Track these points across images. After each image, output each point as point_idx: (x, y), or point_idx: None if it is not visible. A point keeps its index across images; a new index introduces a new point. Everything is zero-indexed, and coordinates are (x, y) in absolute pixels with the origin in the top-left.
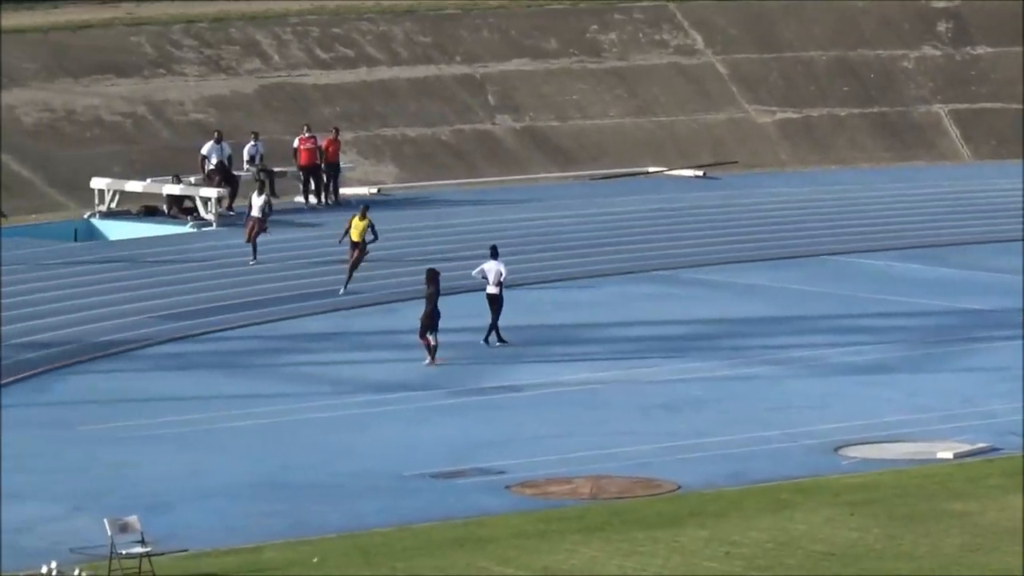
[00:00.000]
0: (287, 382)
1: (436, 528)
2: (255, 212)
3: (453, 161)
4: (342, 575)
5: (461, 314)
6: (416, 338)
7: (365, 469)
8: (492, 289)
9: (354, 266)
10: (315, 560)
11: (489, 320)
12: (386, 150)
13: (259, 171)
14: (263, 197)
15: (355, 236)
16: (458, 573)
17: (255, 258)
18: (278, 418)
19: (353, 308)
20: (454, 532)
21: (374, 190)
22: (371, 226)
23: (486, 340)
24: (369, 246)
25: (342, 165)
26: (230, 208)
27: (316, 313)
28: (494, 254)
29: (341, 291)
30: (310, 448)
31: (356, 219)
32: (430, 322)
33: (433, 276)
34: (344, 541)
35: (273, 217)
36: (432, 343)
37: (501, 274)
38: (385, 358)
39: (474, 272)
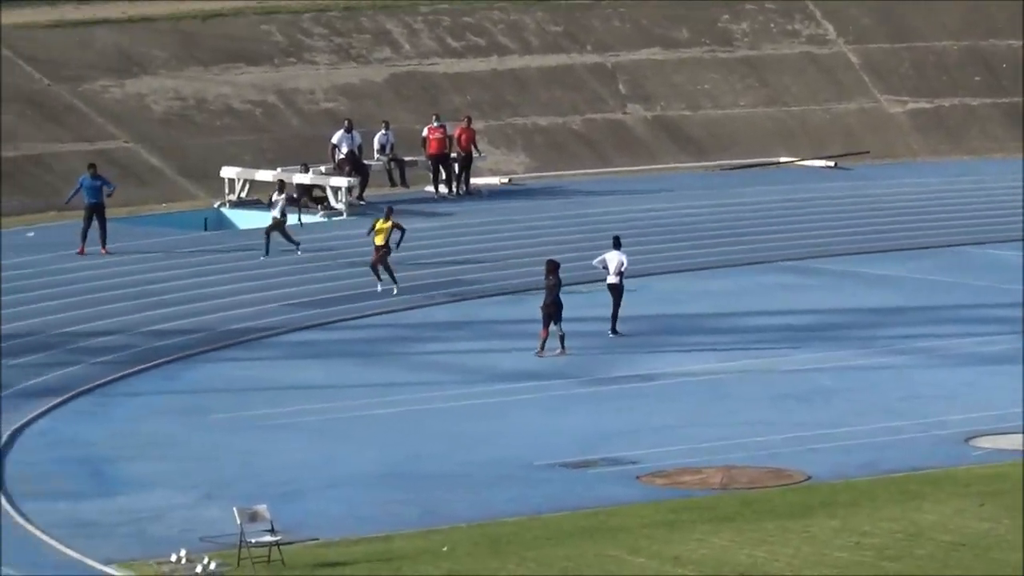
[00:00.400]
0: (418, 371)
1: (566, 518)
2: (276, 212)
3: (584, 150)
4: (471, 565)
5: (594, 304)
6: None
7: (496, 458)
8: (612, 279)
9: (376, 264)
10: (444, 549)
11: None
12: (517, 139)
13: (390, 161)
14: (284, 196)
15: (379, 240)
16: (588, 563)
17: (296, 246)
18: (409, 407)
19: (483, 297)
20: (584, 522)
21: (505, 180)
22: (398, 226)
23: (612, 330)
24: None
25: (474, 155)
26: (360, 197)
27: (446, 302)
28: (616, 244)
29: (386, 289)
30: (441, 437)
31: (380, 221)
32: (551, 313)
33: (553, 267)
34: (474, 530)
35: (402, 206)
36: (559, 334)
37: (623, 264)
38: (516, 347)
39: (595, 262)
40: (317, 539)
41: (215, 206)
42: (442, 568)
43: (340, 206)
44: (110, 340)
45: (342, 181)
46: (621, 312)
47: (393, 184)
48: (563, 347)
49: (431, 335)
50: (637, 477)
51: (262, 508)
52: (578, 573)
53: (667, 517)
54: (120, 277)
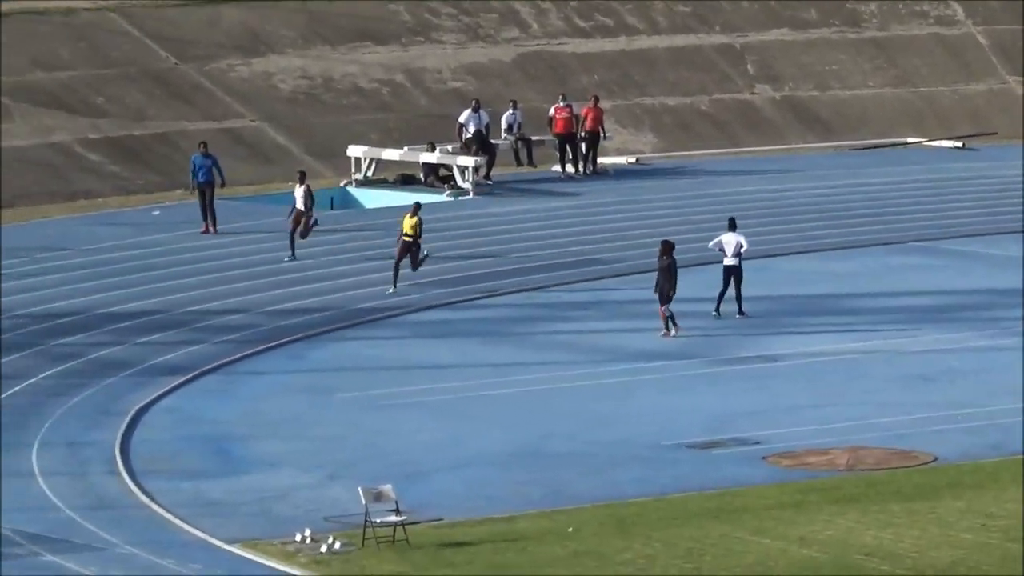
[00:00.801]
0: (545, 350)
1: (692, 498)
2: (299, 204)
3: (711, 131)
4: (597, 545)
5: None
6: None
7: (622, 438)
8: (730, 261)
9: (399, 262)
10: (570, 530)
11: (719, 291)
12: (645, 119)
13: (517, 140)
14: (304, 186)
15: (407, 238)
16: (713, 543)
17: (293, 255)
18: (536, 387)
19: (610, 277)
20: (710, 502)
21: (632, 159)
22: (421, 223)
23: (739, 312)
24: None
25: (601, 135)
26: (487, 177)
27: (573, 282)
28: (732, 226)
29: (390, 290)
30: (568, 417)
31: (407, 217)
32: (666, 293)
33: (668, 247)
34: (600, 511)
35: (531, 186)
36: (666, 314)
37: (741, 245)
38: (643, 327)
39: (711, 244)
40: (442, 519)
41: (341, 185)
42: (568, 548)
43: (467, 185)
44: (236, 319)
45: (469, 160)
46: (744, 292)
47: (520, 164)
48: (676, 326)
49: (558, 315)
50: (763, 458)
51: (387, 488)
52: (703, 553)
53: (793, 498)
54: (247, 256)
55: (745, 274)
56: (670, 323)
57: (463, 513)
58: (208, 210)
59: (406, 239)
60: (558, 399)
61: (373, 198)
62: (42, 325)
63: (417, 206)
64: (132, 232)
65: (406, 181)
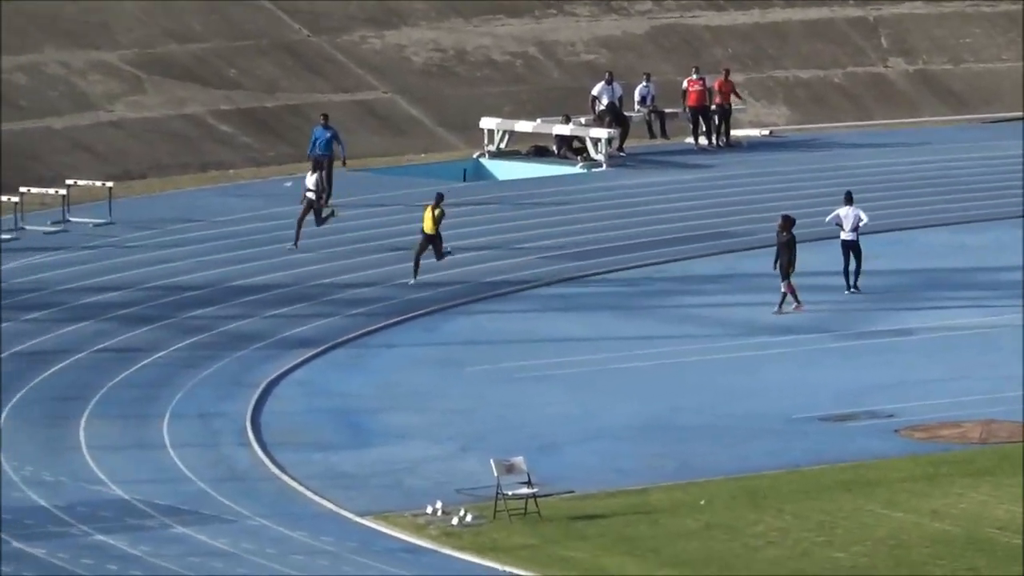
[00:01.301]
0: (676, 324)
1: (824, 471)
2: (309, 191)
3: (845, 103)
4: (729, 517)
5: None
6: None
7: (754, 411)
8: (847, 235)
9: (419, 255)
10: (702, 502)
11: (843, 268)
12: (778, 92)
13: (650, 112)
14: (315, 176)
15: (428, 228)
16: (845, 516)
17: (296, 244)
18: (667, 360)
19: (743, 250)
20: (842, 475)
21: (765, 132)
22: (443, 213)
23: (853, 287)
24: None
25: (733, 107)
26: (620, 149)
27: (705, 255)
28: (848, 200)
29: (411, 281)
30: (698, 390)
31: (429, 209)
32: (785, 268)
33: (788, 222)
34: (731, 483)
35: (663, 158)
36: (784, 290)
37: (860, 219)
38: (774, 301)
39: (828, 219)
40: (573, 491)
41: (474, 157)
42: (700, 521)
43: (600, 157)
44: (367, 292)
45: (602, 132)
46: (878, 266)
47: (653, 136)
48: (798, 302)
49: (690, 288)
50: (896, 431)
51: (519, 460)
52: (835, 526)
53: (925, 471)
54: (377, 228)
55: (878, 247)
56: (785, 300)
57: (595, 485)
58: (327, 184)
59: (427, 231)
60: (689, 372)
61: (506, 170)
62: (173, 297)
63: (440, 197)
64: (263, 203)
65: (539, 153)
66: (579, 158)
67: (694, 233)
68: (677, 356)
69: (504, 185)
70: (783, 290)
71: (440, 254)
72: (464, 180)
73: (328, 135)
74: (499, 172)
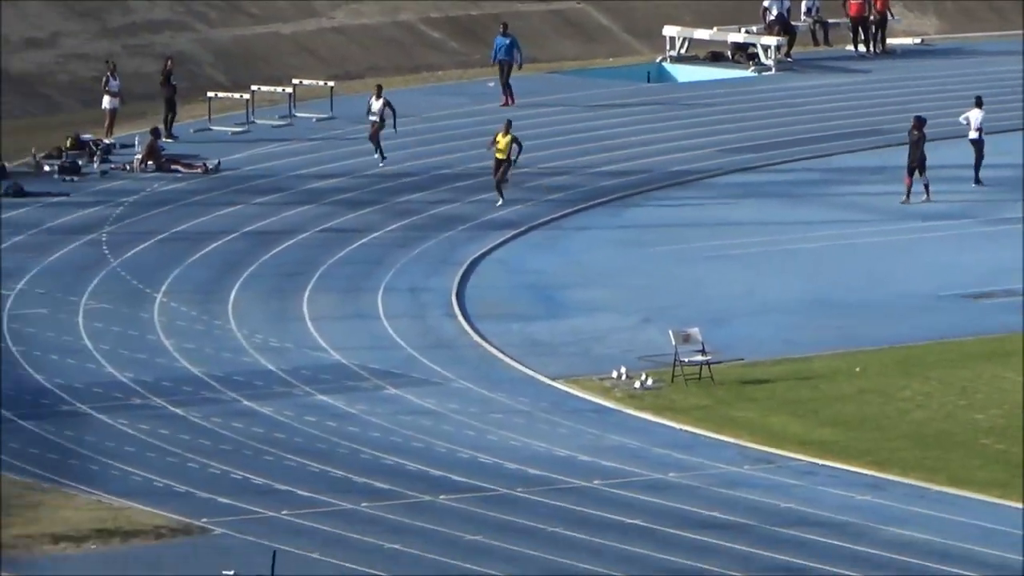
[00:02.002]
0: (838, 210)
1: (966, 343)
2: (373, 115)
3: (989, 14)
4: (881, 383)
5: (996, 152)
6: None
7: (905, 290)
8: (973, 134)
9: (501, 179)
10: (857, 370)
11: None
12: (929, 5)
13: (815, 22)
14: (381, 100)
15: (500, 154)
16: (984, 383)
17: (382, 157)
18: (830, 242)
19: (896, 146)
20: (982, 347)
21: (918, 40)
22: (515, 140)
23: (975, 181)
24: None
25: (889, 17)
26: (788, 55)
27: (862, 150)
28: (978, 103)
29: (499, 202)
30: (857, 269)
31: (500, 135)
32: (914, 164)
33: (920, 123)
34: (884, 354)
35: (826, 63)
36: (924, 182)
37: (979, 120)
38: (923, 192)
39: (960, 119)
40: (743, 359)
41: (657, 61)
42: (855, 386)
43: (769, 63)
44: (562, 180)
45: (772, 40)
46: (1004, 160)
47: (816, 43)
48: (927, 194)
49: (849, 178)
50: None
51: (695, 331)
52: (976, 391)
53: None
54: (570, 124)
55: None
56: (910, 191)
57: (762, 354)
58: (506, 86)
59: (499, 157)
60: (848, 253)
61: (685, 73)
62: (387, 184)
63: (509, 124)
64: (468, 101)
65: (715, 58)
66: (751, 63)
67: (852, 130)
68: (838, 239)
69: (684, 87)
70: (907, 183)
71: (504, 179)
72: (648, 82)
73: (507, 42)
74: (679, 75)
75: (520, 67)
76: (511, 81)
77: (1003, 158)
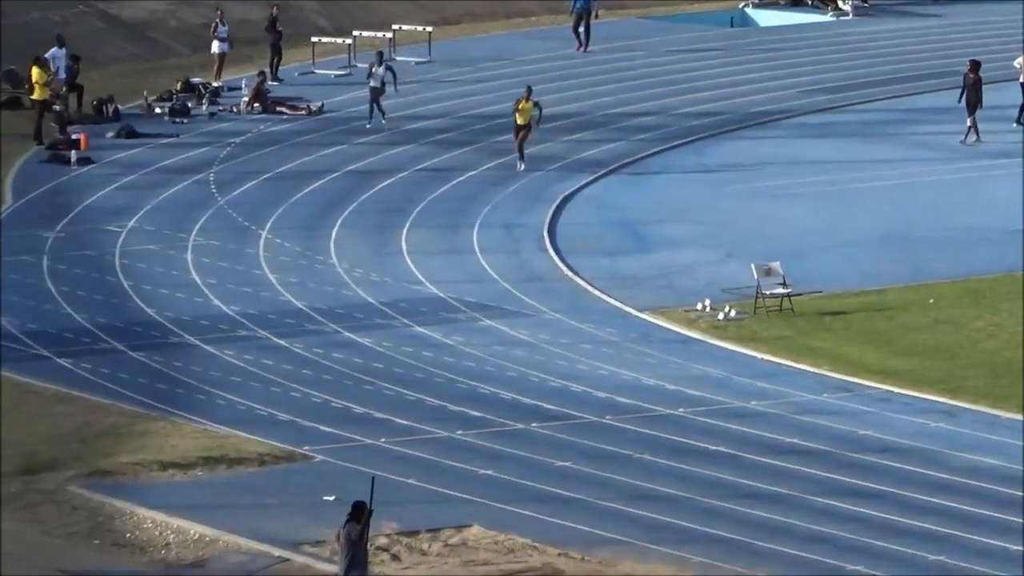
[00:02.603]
0: (911, 149)
1: None
2: (374, 82)
3: None
4: (953, 313)
5: None
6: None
7: (976, 224)
8: (1022, 79)
9: (522, 143)
10: (931, 301)
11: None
12: None
13: None
14: (383, 66)
15: (521, 119)
16: None
17: (383, 117)
18: (903, 179)
19: (955, 88)
20: None
21: None
22: (537, 105)
23: (1016, 121)
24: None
25: None
26: (864, 1)
27: (935, 91)
28: None
29: (520, 167)
30: (929, 205)
31: (523, 102)
32: (973, 104)
33: (975, 66)
34: (956, 286)
35: (900, 8)
36: (969, 125)
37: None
38: (993, 130)
39: (1015, 62)
40: (821, 291)
41: (740, 7)
42: (928, 317)
43: (847, 7)
44: (648, 120)
45: None
46: None
47: None
48: (977, 135)
49: (922, 118)
50: None
51: (775, 264)
52: None
53: None
54: (657, 67)
55: None
56: (970, 132)
57: (840, 286)
58: (582, 33)
59: (519, 122)
60: (920, 190)
61: (766, 18)
62: (483, 125)
63: (530, 89)
64: (560, 45)
65: (795, 3)
66: (829, 8)
67: (925, 72)
68: (911, 176)
69: (765, 31)
70: (968, 124)
71: (521, 148)
72: (731, 26)
73: None
74: (761, 20)
75: (597, 16)
76: (590, 28)
77: None
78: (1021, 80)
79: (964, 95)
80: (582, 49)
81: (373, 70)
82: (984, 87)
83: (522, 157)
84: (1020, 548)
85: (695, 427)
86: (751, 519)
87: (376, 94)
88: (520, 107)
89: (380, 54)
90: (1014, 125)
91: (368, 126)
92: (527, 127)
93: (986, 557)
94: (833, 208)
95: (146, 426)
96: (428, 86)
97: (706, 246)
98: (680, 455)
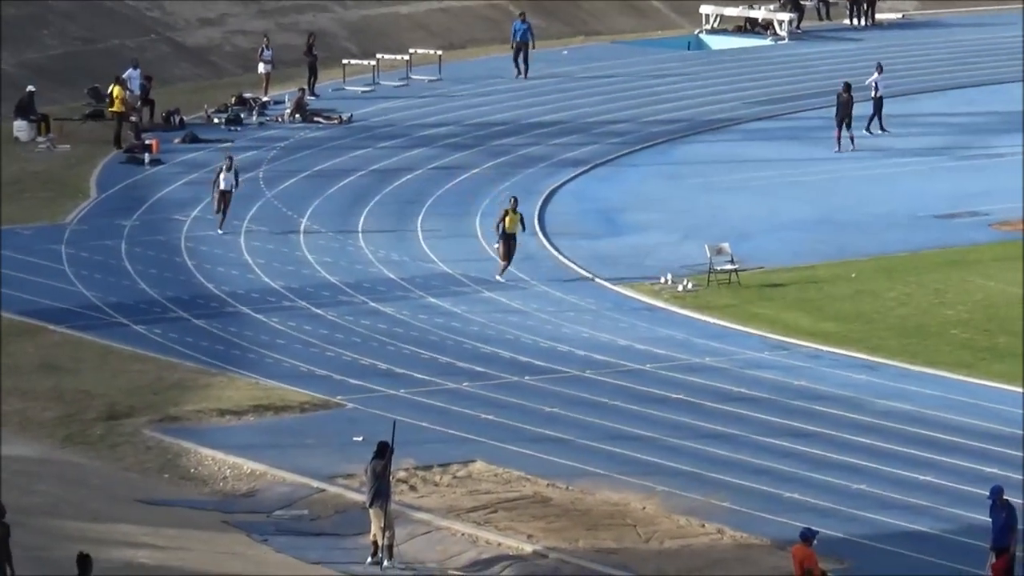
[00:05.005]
0: (843, 146)
1: (938, 253)
2: (223, 185)
3: None
4: (871, 285)
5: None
6: None
7: (890, 211)
8: (874, 94)
9: (507, 257)
10: (853, 275)
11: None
12: None
13: (819, 1)
14: (232, 172)
15: (510, 228)
16: (954, 285)
17: (221, 228)
18: (829, 175)
19: (904, 95)
20: (951, 256)
21: (899, 15)
22: (522, 219)
23: (867, 129)
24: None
25: None
26: (798, 28)
27: (857, 102)
28: (879, 69)
29: (497, 276)
30: (852, 196)
31: (510, 213)
32: (842, 119)
33: (847, 86)
34: (873, 262)
35: (827, 34)
36: (838, 135)
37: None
38: (900, 133)
39: (868, 80)
40: (762, 267)
41: (695, 33)
42: (851, 288)
43: (783, 34)
44: (620, 127)
45: (785, 16)
46: (970, 109)
47: (820, 18)
48: (847, 144)
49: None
50: (989, 225)
51: (725, 245)
52: (947, 291)
53: (1011, 252)
54: (627, 83)
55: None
56: (839, 141)
57: (778, 263)
58: (520, 62)
59: (508, 234)
60: (843, 184)
61: (718, 43)
62: (484, 131)
63: (515, 200)
64: (545, 66)
65: (742, 29)
66: (769, 34)
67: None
68: (836, 173)
69: (716, 53)
70: (835, 135)
71: (510, 256)
72: (688, 49)
73: (524, 27)
74: (713, 44)
75: (533, 47)
76: (528, 58)
77: (970, 107)
78: (872, 95)
79: (837, 111)
80: (521, 77)
81: (221, 175)
82: (884, 101)
83: (509, 265)
84: (929, 478)
85: (660, 379)
86: (706, 455)
87: (225, 198)
88: (508, 218)
89: (230, 158)
90: (865, 132)
91: (220, 231)
92: (513, 236)
93: (899, 485)
94: (772, 199)
95: (207, 380)
96: (438, 100)
97: (667, 230)
98: (647, 402)
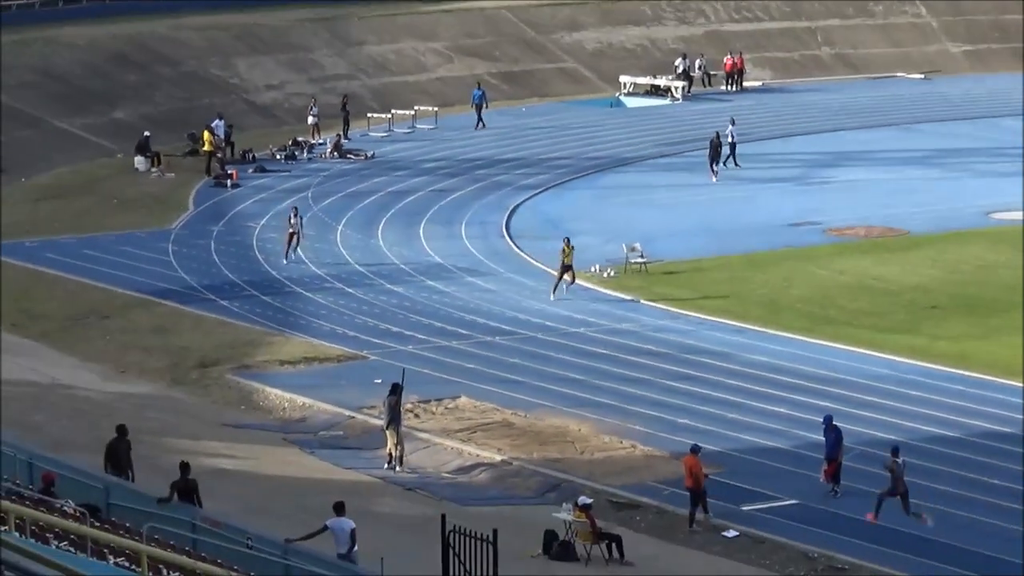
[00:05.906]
0: (719, 177)
1: (788, 251)
2: (291, 228)
3: (808, 64)
4: (741, 274)
5: None
6: None
7: (754, 221)
8: (730, 139)
9: (560, 277)
10: (728, 267)
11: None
12: (766, 60)
13: (703, 73)
14: (298, 219)
15: (567, 259)
16: (800, 274)
17: (286, 259)
18: (712, 196)
19: (775, 138)
20: (798, 253)
21: (760, 83)
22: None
23: (724, 164)
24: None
25: (745, 71)
26: (688, 91)
27: (745, 141)
28: (732, 122)
29: (553, 297)
30: (724, 210)
31: (565, 248)
32: (712, 159)
33: (718, 135)
34: (742, 258)
35: (709, 96)
36: (714, 173)
37: (731, 131)
38: (765, 166)
39: (725, 132)
40: (663, 260)
41: (615, 96)
42: (726, 275)
43: (678, 96)
44: (563, 161)
45: (679, 83)
46: (766, 150)
47: (704, 85)
48: (715, 175)
49: (726, 161)
50: (824, 231)
51: (637, 244)
52: (794, 278)
53: (840, 250)
54: (567, 131)
55: (795, 145)
56: (716, 174)
57: (675, 258)
58: (479, 119)
59: (566, 262)
60: (719, 203)
61: (633, 102)
62: (467, 164)
63: (567, 240)
64: (510, 119)
65: (651, 93)
66: (669, 96)
67: (727, 133)
68: (717, 194)
69: (632, 110)
70: (710, 170)
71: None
72: (610, 107)
73: (480, 92)
74: (629, 104)
75: (487, 107)
76: (481, 114)
77: (811, 148)
78: (729, 140)
79: (709, 152)
80: (482, 126)
81: (291, 219)
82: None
83: (573, 280)
84: (782, 410)
85: (591, 339)
86: (623, 393)
87: (292, 238)
88: (565, 251)
89: (295, 209)
90: (727, 165)
91: (284, 261)
92: (570, 266)
93: (761, 415)
94: (670, 213)
95: (271, 339)
96: (435, 143)
97: (596, 234)
98: (582, 355)
